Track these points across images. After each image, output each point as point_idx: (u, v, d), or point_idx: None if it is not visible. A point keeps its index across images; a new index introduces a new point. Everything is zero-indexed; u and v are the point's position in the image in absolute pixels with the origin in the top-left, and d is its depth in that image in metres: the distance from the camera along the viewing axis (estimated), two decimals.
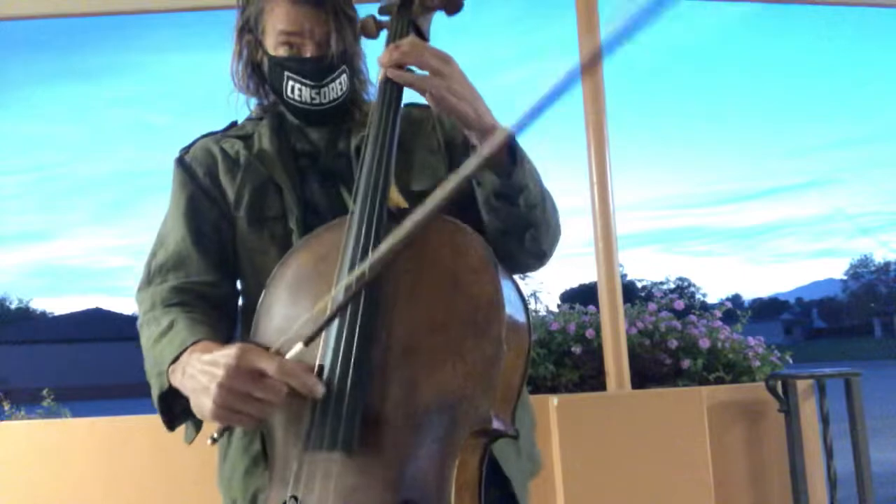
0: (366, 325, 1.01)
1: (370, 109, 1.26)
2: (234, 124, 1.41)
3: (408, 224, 0.92)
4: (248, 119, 1.40)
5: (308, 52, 1.28)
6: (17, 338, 42.95)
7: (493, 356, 0.97)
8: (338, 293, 1.01)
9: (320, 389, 0.98)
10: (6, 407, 4.94)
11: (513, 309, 1.02)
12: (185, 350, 1.10)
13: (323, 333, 1.01)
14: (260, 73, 1.36)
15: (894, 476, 6.41)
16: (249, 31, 1.33)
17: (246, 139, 1.36)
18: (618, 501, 2.93)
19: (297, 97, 1.30)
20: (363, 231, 1.06)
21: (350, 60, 1.32)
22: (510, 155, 1.13)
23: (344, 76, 1.31)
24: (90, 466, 3.15)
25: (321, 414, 0.98)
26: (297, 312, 1.06)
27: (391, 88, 1.17)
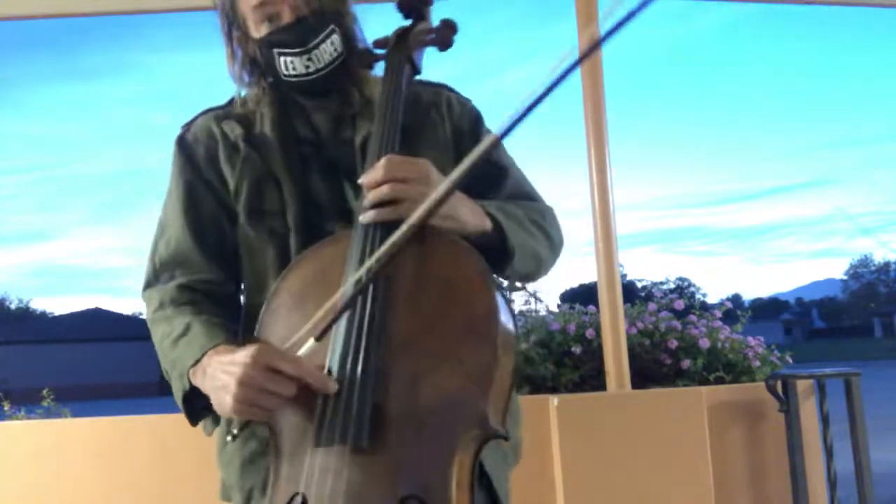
0: (371, 327, 1.05)
1: (374, 97, 1.29)
2: (234, 100, 1.38)
3: (406, 224, 1.02)
4: (249, 96, 1.37)
5: (286, 17, 1.26)
6: (17, 338, 42.94)
7: (490, 360, 1.03)
8: (346, 290, 1.06)
9: (333, 386, 1.03)
10: (6, 407, 4.93)
11: (505, 316, 1.07)
12: (204, 354, 1.16)
13: (331, 336, 1.05)
14: (256, 64, 1.33)
15: (894, 476, 6.41)
16: (236, 28, 1.32)
17: (246, 121, 1.34)
18: (618, 501, 2.93)
19: (291, 71, 1.28)
20: (368, 234, 1.11)
21: (337, 20, 1.29)
22: (503, 251, 1.19)
23: (335, 36, 1.28)
24: (90, 466, 3.15)
25: (332, 412, 1.02)
26: (303, 317, 1.09)
27: (395, 92, 1.23)
